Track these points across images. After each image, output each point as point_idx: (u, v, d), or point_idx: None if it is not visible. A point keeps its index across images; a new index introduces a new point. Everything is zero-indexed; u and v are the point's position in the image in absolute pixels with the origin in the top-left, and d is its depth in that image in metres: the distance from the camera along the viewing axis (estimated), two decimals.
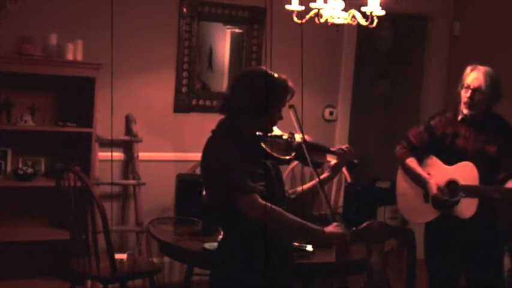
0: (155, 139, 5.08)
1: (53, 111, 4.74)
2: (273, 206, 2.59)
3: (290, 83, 2.75)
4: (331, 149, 3.04)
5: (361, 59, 6.08)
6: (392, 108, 7.04)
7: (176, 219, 3.93)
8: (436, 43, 6.04)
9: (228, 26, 5.39)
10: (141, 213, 4.93)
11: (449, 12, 5.97)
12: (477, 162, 3.59)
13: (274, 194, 2.68)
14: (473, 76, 3.62)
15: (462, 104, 3.67)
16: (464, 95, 3.65)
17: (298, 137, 2.91)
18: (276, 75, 2.74)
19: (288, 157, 2.84)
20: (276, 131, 2.87)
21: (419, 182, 3.76)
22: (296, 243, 3.29)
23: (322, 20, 3.82)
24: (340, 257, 2.81)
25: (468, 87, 3.62)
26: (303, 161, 2.90)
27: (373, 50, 7.02)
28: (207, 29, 5.25)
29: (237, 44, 5.39)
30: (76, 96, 4.73)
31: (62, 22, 4.72)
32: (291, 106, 2.84)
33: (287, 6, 3.90)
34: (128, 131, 5.00)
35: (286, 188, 2.96)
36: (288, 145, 2.86)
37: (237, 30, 5.39)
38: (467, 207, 3.59)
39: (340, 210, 4.14)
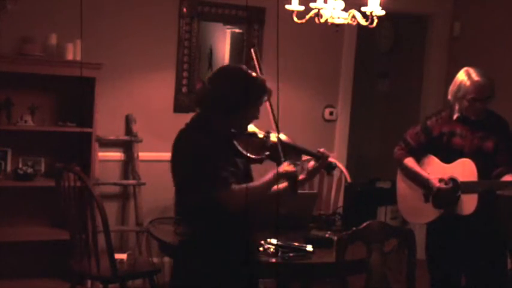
0: (155, 139, 5.08)
1: (53, 111, 4.74)
2: (240, 186, 2.61)
3: (267, 84, 2.75)
4: (309, 150, 3.00)
5: (361, 59, 6.08)
6: (392, 108, 7.04)
7: (176, 219, 3.92)
8: (436, 43, 6.04)
9: (228, 26, 5.39)
10: (141, 213, 4.93)
11: (449, 12, 5.97)
12: (474, 159, 3.60)
13: None
14: (478, 88, 3.58)
15: (470, 113, 3.65)
16: (474, 106, 3.62)
17: (274, 136, 2.88)
18: (254, 74, 2.75)
19: (260, 156, 2.82)
20: (253, 129, 2.86)
21: (419, 181, 3.76)
22: (296, 243, 3.29)
23: (322, 20, 3.82)
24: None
25: (477, 99, 3.59)
26: (277, 161, 2.88)
27: (373, 50, 7.02)
28: (207, 29, 5.25)
29: (237, 44, 5.39)
30: (76, 96, 4.73)
31: (62, 22, 4.71)
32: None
33: (287, 6, 3.89)
34: (128, 131, 5.00)
35: None
36: (262, 144, 2.84)
37: (237, 30, 5.39)
38: (467, 204, 3.59)
39: (340, 210, 4.13)
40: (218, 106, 2.69)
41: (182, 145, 2.72)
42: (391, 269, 3.21)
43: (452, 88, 3.70)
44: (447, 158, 3.71)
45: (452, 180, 3.65)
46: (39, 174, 4.66)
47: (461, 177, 3.62)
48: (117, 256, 3.95)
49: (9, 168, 4.62)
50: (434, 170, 3.73)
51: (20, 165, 4.61)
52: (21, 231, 4.62)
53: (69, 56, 4.56)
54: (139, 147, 4.98)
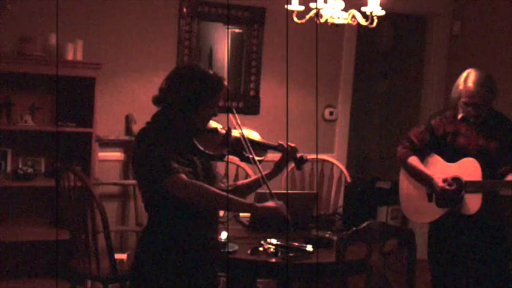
0: None
1: (53, 111, 4.74)
2: (200, 182, 2.66)
3: (224, 81, 2.79)
4: (273, 144, 3.03)
5: (361, 59, 6.08)
6: (392, 108, 7.05)
7: None
8: (436, 43, 6.04)
9: (228, 26, 5.40)
10: (141, 213, 4.93)
11: (449, 12, 5.97)
12: (479, 159, 3.59)
13: None
14: (468, 94, 3.57)
15: (467, 115, 3.65)
16: (468, 110, 3.62)
17: (236, 132, 2.90)
18: (210, 72, 2.78)
19: (219, 153, 2.84)
20: (215, 125, 2.88)
21: (423, 180, 3.75)
22: (296, 243, 3.29)
23: (322, 20, 3.82)
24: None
25: (469, 104, 3.59)
26: (239, 156, 2.90)
27: (373, 50, 7.02)
28: (207, 29, 5.25)
29: (237, 44, 5.39)
30: (76, 96, 4.73)
31: (62, 22, 4.72)
32: (230, 110, 2.87)
33: (287, 6, 3.89)
34: (128, 131, 5.00)
35: (225, 181, 2.98)
36: (224, 140, 2.86)
37: (237, 30, 5.40)
38: (471, 203, 3.59)
39: (340, 210, 4.13)
40: (174, 103, 2.73)
41: (139, 141, 2.77)
42: (391, 269, 3.20)
43: (452, 89, 3.71)
44: (451, 158, 3.70)
45: (457, 179, 3.64)
46: (39, 174, 4.66)
47: (465, 177, 3.62)
48: (117, 256, 3.94)
49: (9, 168, 4.62)
50: (438, 169, 3.72)
51: (20, 165, 4.61)
52: (21, 231, 4.62)
53: (69, 56, 4.56)
54: None
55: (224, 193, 2.71)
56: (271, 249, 3.22)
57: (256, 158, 2.90)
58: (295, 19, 3.90)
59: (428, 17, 6.08)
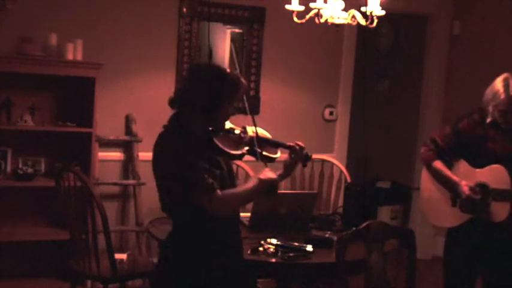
0: (155, 139, 5.07)
1: (53, 111, 4.74)
2: (231, 191, 2.67)
3: (242, 79, 2.76)
4: (285, 143, 3.03)
5: (361, 59, 6.08)
6: (392, 108, 7.04)
7: None
8: (436, 42, 6.04)
9: (228, 26, 5.39)
10: (141, 213, 4.93)
11: (449, 11, 5.98)
12: (507, 164, 3.47)
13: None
14: (510, 103, 3.45)
15: (500, 121, 3.52)
16: (506, 117, 3.49)
17: (250, 131, 2.90)
18: (228, 70, 2.75)
19: (239, 152, 2.83)
20: (229, 125, 2.87)
21: (449, 184, 3.63)
22: (296, 243, 3.29)
23: (322, 20, 3.82)
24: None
25: (507, 112, 3.46)
26: (255, 156, 2.89)
27: (373, 50, 7.02)
28: (207, 29, 5.25)
29: (237, 44, 5.39)
30: (76, 96, 4.73)
31: (62, 22, 4.72)
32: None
33: (287, 6, 3.90)
34: (128, 131, 5.00)
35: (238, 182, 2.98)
36: (240, 140, 2.85)
37: (237, 30, 5.40)
38: (498, 211, 3.48)
39: (340, 210, 4.13)
40: (194, 104, 2.68)
41: (163, 149, 2.71)
42: (391, 269, 3.21)
43: (488, 92, 3.55)
44: (478, 163, 3.58)
45: (483, 186, 3.53)
46: (39, 174, 4.66)
47: (492, 184, 3.50)
48: (117, 256, 3.94)
49: (9, 168, 4.62)
50: (464, 174, 3.60)
51: (20, 165, 4.61)
52: (21, 231, 4.62)
53: (69, 56, 4.56)
54: (139, 147, 4.97)
55: (241, 189, 2.73)
56: (271, 249, 3.22)
57: (271, 156, 2.92)
58: (295, 19, 3.90)
59: (428, 17, 6.07)
